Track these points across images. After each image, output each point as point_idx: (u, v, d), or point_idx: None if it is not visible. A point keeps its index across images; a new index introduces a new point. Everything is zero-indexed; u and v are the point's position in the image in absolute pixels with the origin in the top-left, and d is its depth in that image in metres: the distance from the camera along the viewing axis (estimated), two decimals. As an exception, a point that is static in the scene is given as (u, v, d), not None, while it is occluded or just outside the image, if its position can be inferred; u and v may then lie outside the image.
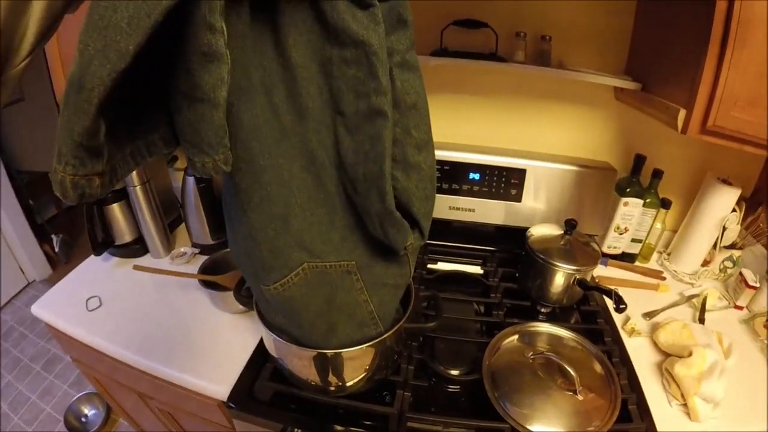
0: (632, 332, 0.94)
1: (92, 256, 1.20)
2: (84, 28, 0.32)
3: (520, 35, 0.97)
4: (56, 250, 2.69)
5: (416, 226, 0.59)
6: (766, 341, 0.93)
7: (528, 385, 0.74)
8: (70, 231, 2.90)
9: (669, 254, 1.20)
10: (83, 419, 1.70)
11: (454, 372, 0.81)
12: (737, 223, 1.08)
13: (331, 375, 0.68)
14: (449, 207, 1.13)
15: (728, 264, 1.13)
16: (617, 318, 0.98)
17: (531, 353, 0.79)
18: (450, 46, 0.99)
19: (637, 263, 1.19)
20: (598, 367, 0.79)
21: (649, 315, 1.00)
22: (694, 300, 1.05)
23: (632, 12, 0.98)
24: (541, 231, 1.01)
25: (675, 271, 1.15)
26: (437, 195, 1.08)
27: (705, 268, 1.14)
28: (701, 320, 0.99)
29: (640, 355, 0.89)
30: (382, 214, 0.54)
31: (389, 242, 0.57)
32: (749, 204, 1.12)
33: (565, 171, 1.06)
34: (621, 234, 1.13)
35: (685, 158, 1.14)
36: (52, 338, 2.16)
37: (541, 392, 0.73)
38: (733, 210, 1.06)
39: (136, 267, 1.03)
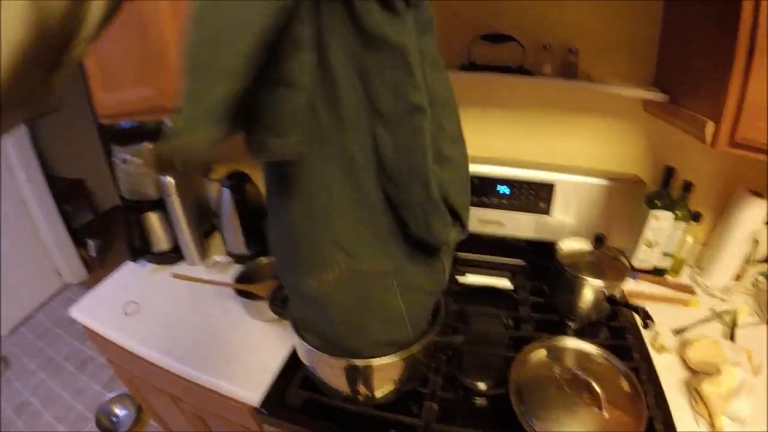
0: (661, 349, 0.93)
1: (128, 262, 1.27)
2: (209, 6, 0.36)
3: (546, 48, 0.98)
4: (91, 254, 2.84)
5: (457, 219, 0.62)
6: None
7: (554, 400, 0.74)
8: (105, 236, 3.04)
9: (700, 268, 1.18)
10: (114, 419, 1.77)
11: (482, 385, 0.82)
12: (769, 236, 1.06)
13: (360, 385, 0.70)
14: (478, 220, 1.14)
15: (761, 279, 1.10)
16: (646, 334, 0.97)
17: (558, 368, 0.79)
18: (477, 59, 1.00)
19: (667, 277, 1.17)
20: (625, 384, 0.78)
21: (678, 331, 0.99)
22: (725, 316, 1.03)
23: (658, 21, 0.97)
24: (570, 245, 1.01)
25: (706, 286, 1.13)
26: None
27: (737, 282, 1.12)
28: (732, 337, 0.97)
29: (669, 372, 0.88)
30: (426, 204, 0.56)
31: (433, 236, 0.59)
32: (781, 218, 1.10)
33: (594, 184, 1.06)
34: (651, 248, 1.12)
35: (716, 170, 1.13)
36: (87, 339, 2.25)
37: (567, 408, 0.73)
38: (766, 223, 1.04)
39: (175, 275, 1.08)
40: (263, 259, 1.14)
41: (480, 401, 0.81)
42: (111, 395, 1.83)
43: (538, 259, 1.14)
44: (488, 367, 0.86)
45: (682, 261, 1.16)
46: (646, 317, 0.82)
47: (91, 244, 2.83)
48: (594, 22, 1.00)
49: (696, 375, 0.86)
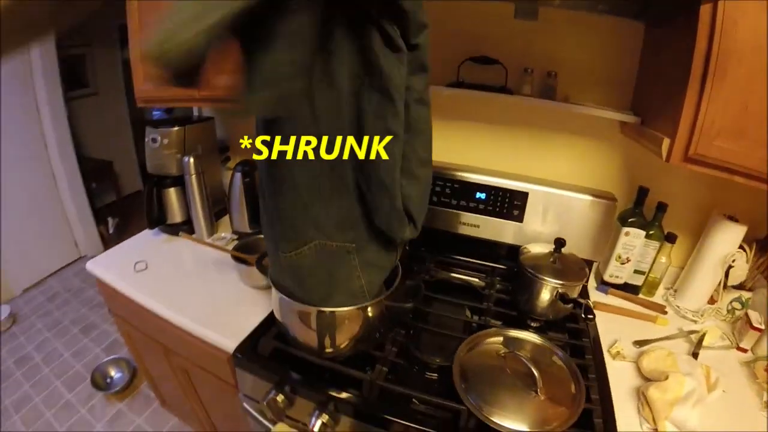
0: (617, 355, 1.01)
1: (145, 231, 1.46)
2: None
3: (527, 71, 1.14)
4: (110, 231, 3.10)
5: (412, 222, 0.78)
6: (765, 384, 0.95)
7: (496, 380, 0.84)
8: (124, 217, 3.30)
9: (675, 290, 1.25)
10: (108, 380, 1.96)
11: (432, 359, 0.93)
12: (746, 262, 1.10)
13: (324, 337, 0.84)
14: (456, 221, 1.28)
15: (737, 305, 1.15)
16: (605, 341, 1.05)
17: (504, 353, 0.89)
18: (465, 79, 1.18)
19: (641, 296, 1.25)
20: (568, 376, 0.87)
21: (639, 343, 1.06)
22: (692, 335, 1.09)
23: (638, 52, 1.10)
24: (535, 249, 1.13)
25: (678, 307, 1.19)
26: (446, 209, 1.28)
27: (711, 306, 1.18)
28: (695, 355, 1.02)
29: (622, 377, 0.96)
30: (390, 211, 0.73)
31: (392, 233, 0.76)
32: (762, 245, 1.15)
33: (567, 197, 1.17)
34: (623, 264, 1.21)
35: (692, 193, 1.21)
36: (94, 307, 2.48)
37: (507, 388, 0.83)
38: (742, 248, 1.10)
39: (182, 234, 1.26)
40: (261, 236, 1.30)
41: (429, 374, 0.93)
42: (109, 358, 2.02)
43: (510, 262, 1.25)
44: (442, 347, 0.97)
45: (656, 281, 1.24)
46: (588, 312, 0.92)
47: (111, 221, 3.09)
48: (572, 50, 1.15)
49: (647, 382, 0.93)
